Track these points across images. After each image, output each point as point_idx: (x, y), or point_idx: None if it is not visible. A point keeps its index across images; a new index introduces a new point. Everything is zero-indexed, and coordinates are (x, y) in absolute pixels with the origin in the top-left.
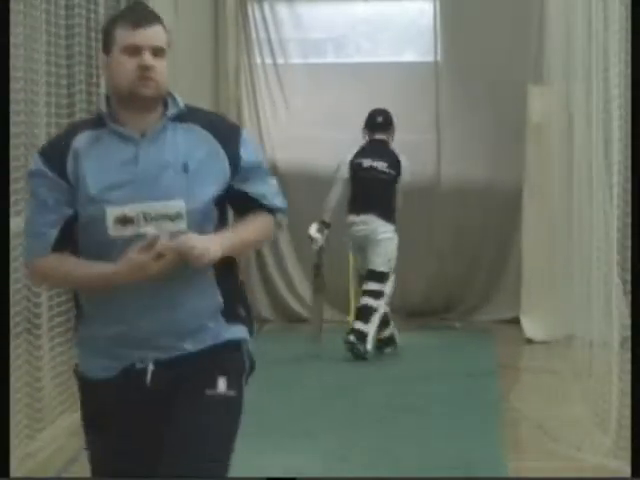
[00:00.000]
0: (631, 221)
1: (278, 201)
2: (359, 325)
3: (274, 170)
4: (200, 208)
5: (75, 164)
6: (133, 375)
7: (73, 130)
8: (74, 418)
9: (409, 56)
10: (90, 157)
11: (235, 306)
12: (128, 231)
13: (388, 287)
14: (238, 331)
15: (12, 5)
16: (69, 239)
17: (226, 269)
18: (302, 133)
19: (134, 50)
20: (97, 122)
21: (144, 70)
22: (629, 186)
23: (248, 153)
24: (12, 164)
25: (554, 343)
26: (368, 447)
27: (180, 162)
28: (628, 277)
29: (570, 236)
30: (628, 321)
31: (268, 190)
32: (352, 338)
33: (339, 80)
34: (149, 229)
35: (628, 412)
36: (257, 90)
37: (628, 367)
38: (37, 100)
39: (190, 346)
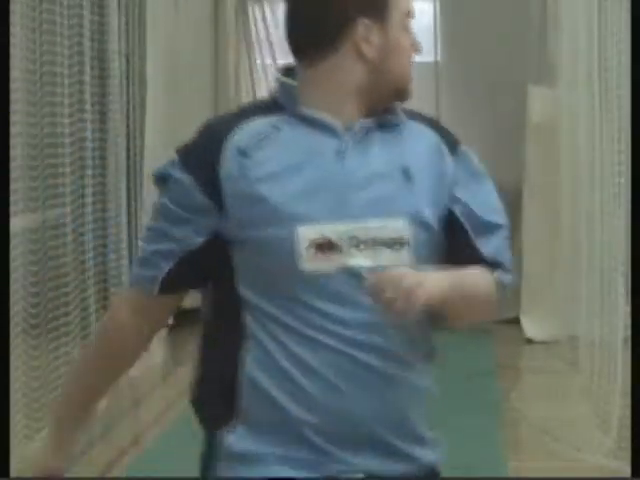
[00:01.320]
0: (632, 220)
1: (506, 256)
2: None
3: None
4: (427, 234)
5: (239, 165)
6: None
7: (234, 119)
8: None
9: None
10: (266, 153)
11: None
12: (331, 263)
13: None
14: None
15: (12, 5)
16: (188, 280)
17: None
18: None
19: (408, 26)
20: (271, 106)
21: (416, 54)
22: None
23: (474, 168)
24: (12, 164)
25: (554, 343)
26: None
27: (399, 166)
28: (629, 276)
29: (571, 236)
30: (628, 321)
31: (495, 236)
32: None
33: None
34: (361, 260)
35: (628, 412)
36: (257, 90)
37: (628, 367)
38: (37, 100)
39: (417, 454)
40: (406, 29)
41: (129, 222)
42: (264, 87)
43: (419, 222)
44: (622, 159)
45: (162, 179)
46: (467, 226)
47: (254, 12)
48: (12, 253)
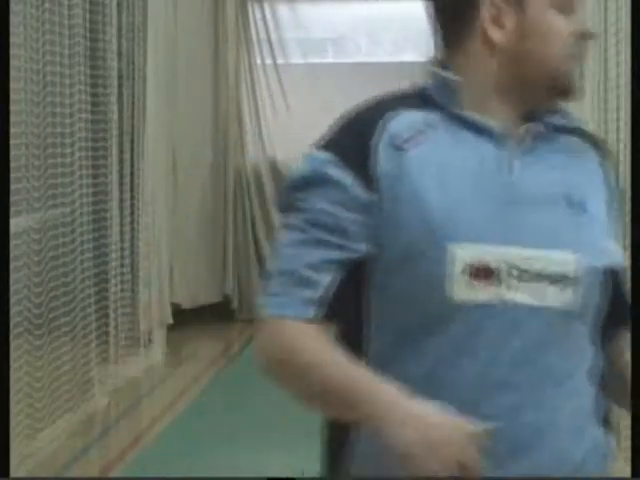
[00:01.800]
0: (632, 220)
1: None
2: None
3: (274, 171)
4: (596, 275)
5: (395, 161)
6: None
7: (382, 108)
8: (74, 418)
9: (409, 56)
10: (423, 150)
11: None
12: (484, 293)
13: None
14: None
15: (12, 5)
16: (348, 299)
17: None
18: (302, 133)
19: (568, 7)
20: (420, 100)
21: (584, 41)
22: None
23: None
24: (12, 164)
25: None
26: None
27: (568, 188)
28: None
29: None
30: None
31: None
32: None
33: (339, 80)
34: (522, 295)
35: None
36: (257, 90)
37: None
38: (39, 100)
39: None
40: (563, 11)
41: (129, 222)
42: (264, 87)
43: (586, 260)
44: (621, 159)
45: (306, 181)
46: (620, 274)
47: (254, 12)
48: (15, 253)
